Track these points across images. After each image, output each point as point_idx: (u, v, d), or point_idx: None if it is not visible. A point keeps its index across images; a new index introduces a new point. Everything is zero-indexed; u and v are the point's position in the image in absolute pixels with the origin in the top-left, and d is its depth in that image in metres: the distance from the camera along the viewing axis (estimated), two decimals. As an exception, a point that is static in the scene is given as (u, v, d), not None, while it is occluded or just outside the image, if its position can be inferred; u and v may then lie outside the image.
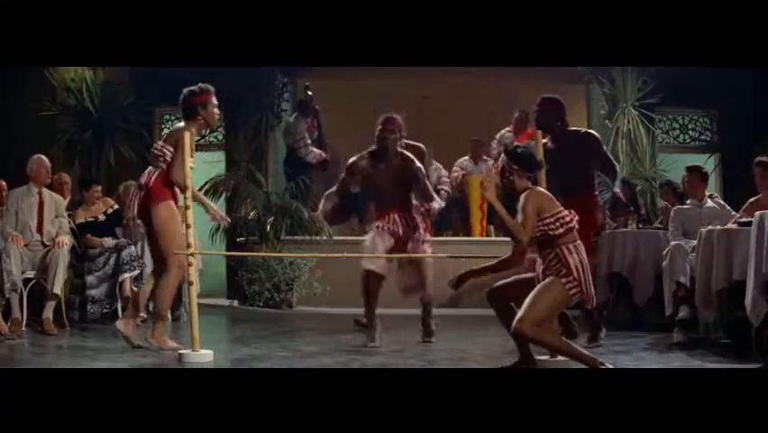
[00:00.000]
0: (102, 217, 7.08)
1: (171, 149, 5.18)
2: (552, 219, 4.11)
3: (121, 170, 8.85)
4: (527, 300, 4.07)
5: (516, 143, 4.30)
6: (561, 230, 4.11)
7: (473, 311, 5.51)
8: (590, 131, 6.01)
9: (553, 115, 5.59)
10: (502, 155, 4.35)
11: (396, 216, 5.54)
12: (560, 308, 4.28)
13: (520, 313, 4.08)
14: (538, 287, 4.12)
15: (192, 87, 5.36)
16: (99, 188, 7.33)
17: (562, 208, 4.19)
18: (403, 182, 5.60)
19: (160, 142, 5.36)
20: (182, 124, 5.33)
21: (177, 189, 5.22)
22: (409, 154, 5.64)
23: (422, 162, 6.05)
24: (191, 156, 5.15)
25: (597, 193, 5.79)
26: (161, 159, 5.19)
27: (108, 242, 6.95)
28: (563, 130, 5.61)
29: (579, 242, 4.17)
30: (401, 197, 5.61)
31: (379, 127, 5.59)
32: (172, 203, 5.22)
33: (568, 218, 4.15)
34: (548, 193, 4.32)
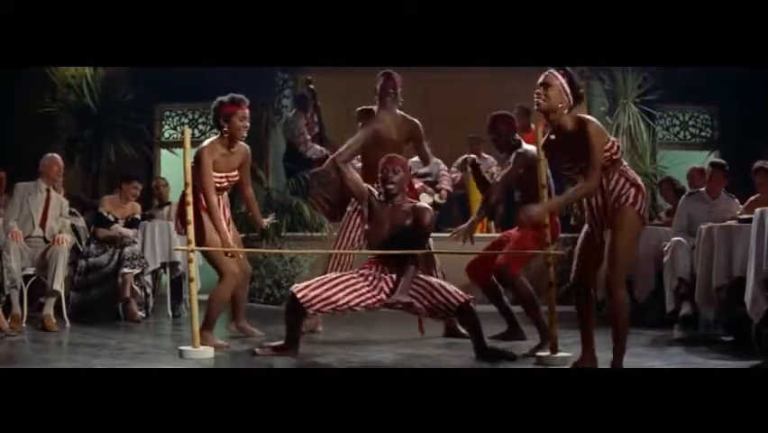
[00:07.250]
0: (121, 223, 7.08)
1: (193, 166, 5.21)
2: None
3: (121, 166, 8.85)
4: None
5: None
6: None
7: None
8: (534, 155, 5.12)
9: (507, 131, 5.42)
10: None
11: (386, 271, 4.87)
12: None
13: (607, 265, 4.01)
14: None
15: (222, 97, 5.24)
16: (139, 185, 7.32)
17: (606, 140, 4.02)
18: (406, 235, 4.83)
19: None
20: (206, 142, 5.30)
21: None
22: (423, 205, 4.90)
23: (419, 138, 5.83)
24: (219, 172, 5.24)
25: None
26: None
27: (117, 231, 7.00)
28: (518, 145, 5.37)
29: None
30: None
31: (383, 165, 4.92)
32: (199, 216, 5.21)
33: (614, 149, 4.03)
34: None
